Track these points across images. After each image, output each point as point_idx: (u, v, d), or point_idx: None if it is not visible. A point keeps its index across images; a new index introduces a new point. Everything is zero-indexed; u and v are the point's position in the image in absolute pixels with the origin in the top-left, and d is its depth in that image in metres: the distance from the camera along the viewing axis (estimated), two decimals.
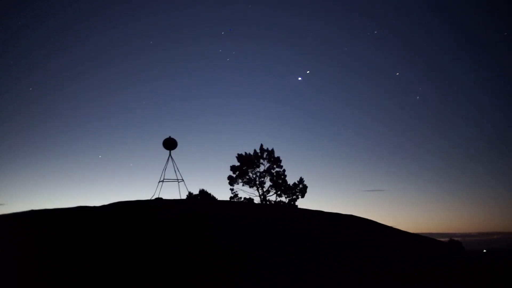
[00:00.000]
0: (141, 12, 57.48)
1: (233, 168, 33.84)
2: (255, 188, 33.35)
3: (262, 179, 33.49)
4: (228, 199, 32.74)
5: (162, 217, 16.30)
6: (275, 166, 33.60)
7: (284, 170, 33.52)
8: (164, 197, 26.15)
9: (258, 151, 33.86)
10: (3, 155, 57.84)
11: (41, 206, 19.16)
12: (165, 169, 27.31)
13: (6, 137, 58.80)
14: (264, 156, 33.79)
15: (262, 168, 33.72)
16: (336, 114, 62.47)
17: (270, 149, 33.86)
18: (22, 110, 59.02)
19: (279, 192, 33.01)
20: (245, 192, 33.42)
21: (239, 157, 33.99)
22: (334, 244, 14.75)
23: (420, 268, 13.29)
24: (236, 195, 33.26)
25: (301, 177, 33.35)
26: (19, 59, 57.14)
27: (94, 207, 19.55)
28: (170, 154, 27.39)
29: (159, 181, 27.30)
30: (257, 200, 32.91)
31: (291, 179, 33.38)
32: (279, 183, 33.08)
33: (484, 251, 23.17)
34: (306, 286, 11.10)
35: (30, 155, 57.28)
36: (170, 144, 27.50)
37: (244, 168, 33.67)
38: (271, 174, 33.43)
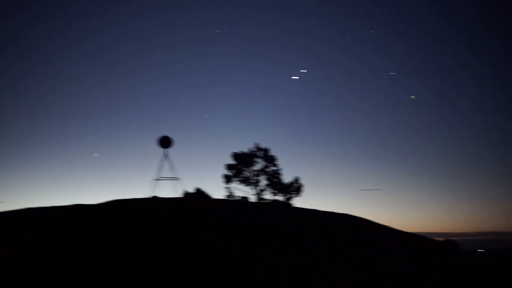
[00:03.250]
0: (141, 12, 57.25)
1: (228, 167, 33.75)
2: (250, 186, 33.28)
3: (258, 177, 33.42)
4: (223, 197, 32.65)
5: (160, 216, 16.23)
6: (270, 164, 33.55)
7: (279, 169, 33.51)
8: (160, 196, 26.11)
9: (253, 149, 33.81)
10: (0, 154, 57.53)
11: (37, 204, 19.05)
12: (160, 167, 27.33)
13: (4, 135, 58.48)
14: (260, 154, 33.72)
15: (257, 167, 33.64)
16: (332, 113, 62.51)
17: (265, 148, 33.84)
18: (20, 109, 58.74)
19: (274, 191, 32.96)
20: (240, 190, 33.37)
21: (235, 155, 33.92)
22: (333, 244, 14.72)
23: (419, 268, 13.29)
24: (231, 194, 33.19)
25: (296, 176, 33.38)
26: (18, 59, 56.82)
27: (91, 205, 19.44)
28: (165, 153, 27.40)
29: (155, 180, 27.29)
30: (252, 198, 32.86)
31: (286, 178, 33.39)
32: (275, 181, 33.06)
33: (480, 250, 23.27)
34: (305, 286, 11.08)
35: (27, 153, 56.95)
36: (165, 142, 27.52)
37: (240, 167, 33.60)
38: (266, 173, 33.39)
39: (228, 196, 33.03)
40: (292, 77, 51.79)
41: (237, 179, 33.54)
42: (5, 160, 55.48)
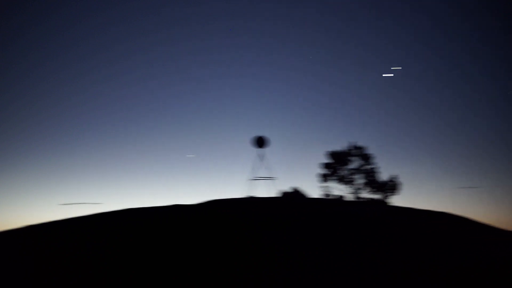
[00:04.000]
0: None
1: (324, 166, 33.89)
2: (346, 185, 33.16)
3: (354, 176, 33.18)
4: (319, 196, 32.82)
5: (257, 215, 16.72)
6: (366, 163, 33.15)
7: (376, 167, 33.00)
8: (256, 195, 26.86)
9: (349, 148, 33.64)
10: (98, 157, 62.41)
11: (137, 205, 20.13)
12: (255, 167, 28.10)
13: (107, 140, 63.20)
14: (356, 153, 33.46)
15: (353, 165, 33.42)
16: (431, 109, 59.73)
17: (361, 146, 33.51)
18: (124, 113, 62.96)
19: (371, 189, 32.54)
20: (336, 189, 33.35)
21: (330, 154, 33.97)
22: (432, 242, 14.29)
23: None
24: (327, 193, 33.28)
25: (393, 174, 32.66)
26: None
27: (189, 205, 20.51)
28: (261, 152, 28.07)
29: (250, 179, 28.13)
30: (348, 197, 32.69)
31: (383, 176, 32.81)
32: (371, 180, 32.61)
33: None
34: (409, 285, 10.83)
35: (125, 156, 61.23)
36: (260, 142, 28.12)
37: (335, 166, 33.59)
38: (362, 171, 33.04)
39: (324, 195, 33.17)
40: (383, 75, 50.40)
41: (333, 177, 33.58)
42: (105, 162, 60.13)
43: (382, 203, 31.10)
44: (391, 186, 32.12)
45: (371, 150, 33.75)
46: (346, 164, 33.52)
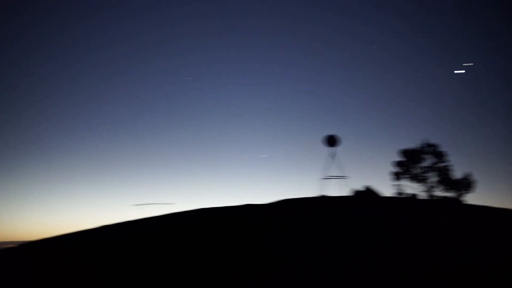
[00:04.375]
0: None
1: (396, 164, 34.04)
2: (419, 183, 33.13)
3: (427, 174, 33.08)
4: (393, 195, 33.06)
5: (330, 214, 17.29)
6: (439, 160, 32.92)
7: (449, 165, 32.68)
8: (328, 194, 27.63)
9: (422, 145, 33.55)
10: (171, 158, 65.01)
11: (210, 205, 20.80)
12: (327, 166, 28.84)
13: (179, 141, 65.39)
14: (429, 151, 33.32)
15: (426, 163, 33.30)
16: (505, 105, 57.07)
17: (434, 143, 33.33)
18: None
19: (445, 187, 32.30)
20: (409, 187, 33.41)
21: (403, 152, 34.05)
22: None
23: None
24: (400, 191, 33.42)
25: (467, 172, 32.20)
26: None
27: (261, 204, 21.25)
28: (332, 151, 28.68)
29: (322, 178, 28.94)
30: (422, 196, 32.68)
31: (457, 174, 32.43)
32: (445, 178, 32.36)
33: None
34: None
35: (198, 157, 63.45)
36: (332, 141, 28.72)
37: (408, 164, 33.64)
38: (436, 169, 32.85)
39: (397, 193, 33.34)
40: (455, 71, 49.08)
41: (405, 176, 33.64)
42: (178, 163, 62.76)
43: (455, 202, 30.86)
44: (465, 184, 31.72)
45: (444, 147, 33.50)
46: (419, 162, 33.46)
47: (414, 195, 32.69)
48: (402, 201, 25.55)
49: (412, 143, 34.38)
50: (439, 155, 32.95)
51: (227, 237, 13.94)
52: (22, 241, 19.00)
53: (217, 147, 64.99)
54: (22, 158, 63.67)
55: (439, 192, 32.54)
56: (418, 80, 59.01)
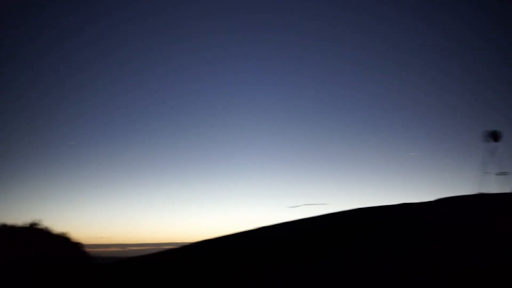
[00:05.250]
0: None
1: None
2: None
3: None
4: None
5: (487, 212, 16.27)
6: None
7: None
8: (488, 192, 25.58)
9: None
10: (325, 158, 65.25)
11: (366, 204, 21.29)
12: (485, 162, 26.75)
13: (329, 142, 65.46)
14: None
15: None
16: None
17: None
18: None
19: None
20: None
21: None
22: None
23: None
24: None
25: None
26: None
27: (418, 203, 20.70)
28: (492, 147, 26.76)
29: (481, 176, 26.88)
30: None
31: None
32: None
33: None
34: None
35: (352, 157, 62.99)
36: (495, 136, 27.03)
37: None
38: None
39: None
40: None
41: None
42: (331, 164, 62.48)
43: None
44: None
45: None
46: None
47: None
48: None
49: None
50: None
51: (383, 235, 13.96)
52: (182, 243, 20.98)
53: (369, 147, 64.33)
54: (184, 166, 69.17)
55: None
56: None
